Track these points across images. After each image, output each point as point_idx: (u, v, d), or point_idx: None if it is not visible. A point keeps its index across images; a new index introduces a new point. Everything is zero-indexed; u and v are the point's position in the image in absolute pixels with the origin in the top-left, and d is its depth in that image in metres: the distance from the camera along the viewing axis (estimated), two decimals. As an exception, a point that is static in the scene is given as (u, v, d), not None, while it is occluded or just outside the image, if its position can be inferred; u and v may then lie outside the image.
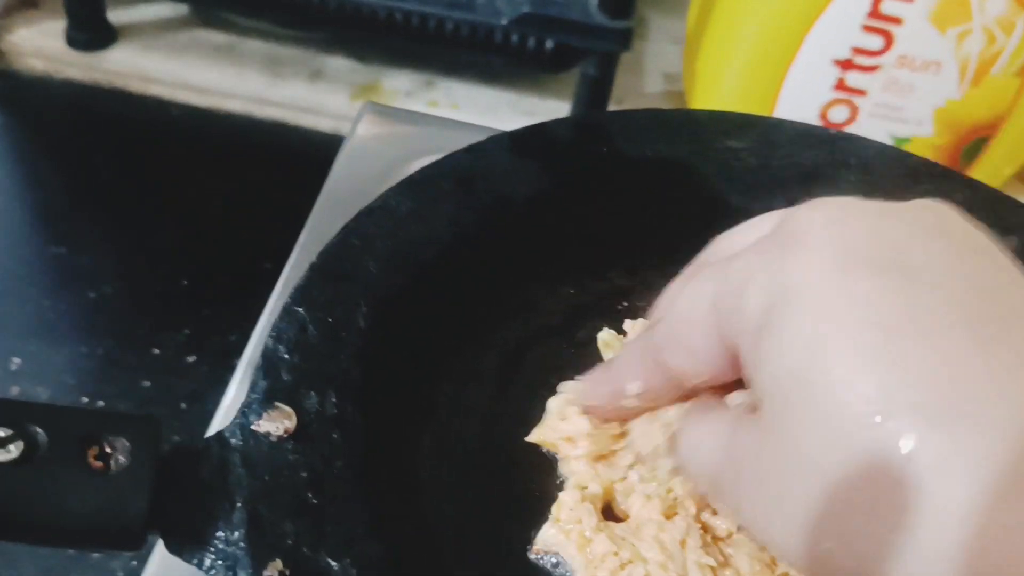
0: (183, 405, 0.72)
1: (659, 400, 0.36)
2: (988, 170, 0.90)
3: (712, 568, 0.38)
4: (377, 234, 0.46)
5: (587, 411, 0.39)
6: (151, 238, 0.86)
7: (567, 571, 0.38)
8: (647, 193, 0.51)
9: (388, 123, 0.63)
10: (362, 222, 0.46)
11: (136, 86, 0.98)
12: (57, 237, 0.86)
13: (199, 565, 0.34)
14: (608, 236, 0.49)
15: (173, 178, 0.93)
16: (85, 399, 0.73)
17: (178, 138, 0.96)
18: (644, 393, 0.35)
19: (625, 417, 0.39)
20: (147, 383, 0.74)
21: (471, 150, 0.51)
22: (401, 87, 0.98)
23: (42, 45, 0.96)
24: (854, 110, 0.87)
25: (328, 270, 0.43)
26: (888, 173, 0.54)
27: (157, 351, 0.76)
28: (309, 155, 0.94)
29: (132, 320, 0.79)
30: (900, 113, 0.87)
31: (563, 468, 0.41)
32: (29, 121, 0.98)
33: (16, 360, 0.75)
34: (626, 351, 0.37)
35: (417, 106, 0.94)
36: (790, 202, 0.53)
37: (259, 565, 0.34)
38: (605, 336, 0.45)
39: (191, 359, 0.76)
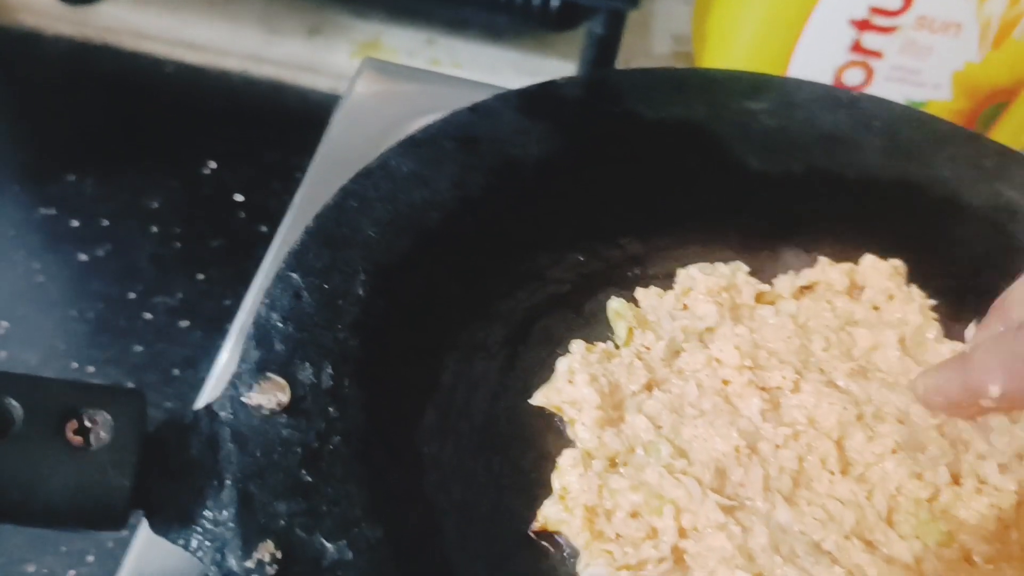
0: (176, 371, 0.70)
1: (1017, 406, 0.35)
2: (1006, 136, 0.88)
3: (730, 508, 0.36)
4: (376, 197, 0.43)
5: (928, 402, 0.37)
6: (144, 199, 0.84)
7: (569, 549, 0.36)
8: (661, 156, 0.48)
9: (388, 80, 0.60)
10: (360, 184, 0.44)
11: (129, 42, 0.95)
12: (47, 198, 0.84)
13: (185, 546, 0.32)
14: (620, 201, 0.47)
15: (167, 137, 0.90)
16: (75, 364, 0.71)
17: (172, 96, 0.93)
18: (1004, 397, 0.33)
19: (971, 415, 0.39)
20: (139, 348, 0.72)
21: (476, 109, 0.49)
22: (402, 45, 0.95)
23: (32, 0, 0.93)
24: (869, 73, 0.84)
25: (324, 234, 0.41)
26: (913, 137, 0.52)
27: (149, 316, 0.74)
28: (306, 114, 0.91)
29: (124, 284, 0.76)
30: (917, 76, 0.85)
31: (570, 433, 0.39)
32: (18, 78, 0.95)
33: (4, 324, 0.73)
34: (989, 350, 0.34)
35: (418, 65, 0.91)
36: (809, 166, 0.52)
37: (250, 547, 0.32)
38: (616, 305, 0.43)
39: (184, 324, 0.73)
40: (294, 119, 0.91)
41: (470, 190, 0.45)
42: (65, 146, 0.88)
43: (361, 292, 0.40)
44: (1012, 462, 0.40)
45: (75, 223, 0.82)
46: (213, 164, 0.88)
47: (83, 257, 0.81)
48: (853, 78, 0.85)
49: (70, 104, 0.93)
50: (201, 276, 0.81)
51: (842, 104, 0.53)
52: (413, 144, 0.46)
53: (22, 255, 0.80)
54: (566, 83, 0.51)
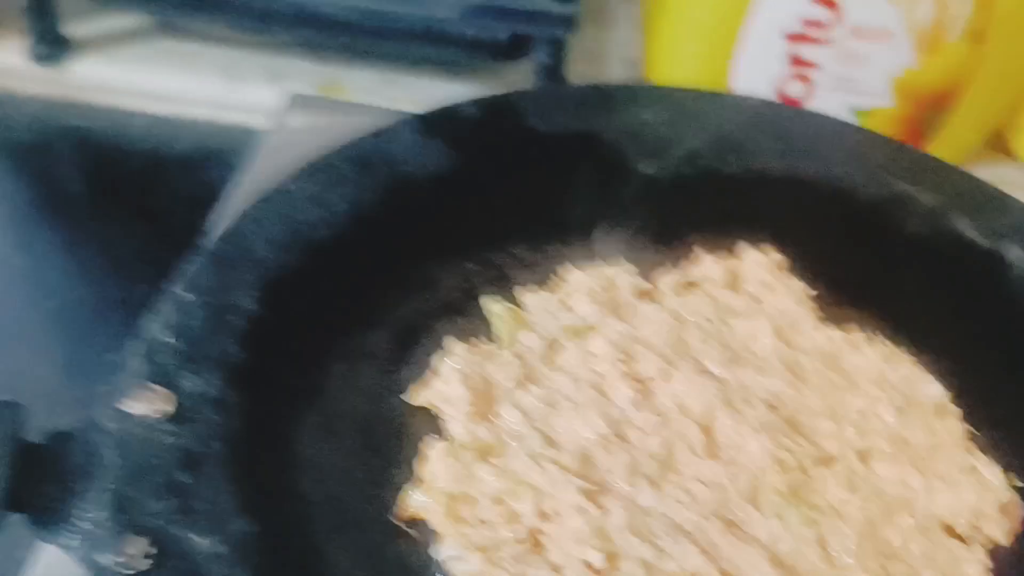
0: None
1: None
2: (954, 139, 0.89)
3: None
4: (270, 218, 0.46)
5: None
6: (115, 247, 0.87)
7: (433, 535, 0.38)
8: (552, 166, 0.51)
9: (316, 113, 0.63)
10: (258, 208, 0.46)
11: (99, 98, 0.99)
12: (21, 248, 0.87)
13: (63, 546, 0.34)
14: (511, 210, 0.49)
15: (137, 186, 0.93)
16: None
17: (142, 146, 0.97)
18: None
19: None
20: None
21: (379, 133, 0.51)
22: (362, 85, 0.98)
23: (3, 62, 0.97)
24: (810, 84, 0.86)
25: (216, 254, 0.43)
26: (804, 135, 0.53)
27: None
28: (268, 156, 0.94)
29: (91, 327, 0.79)
30: (857, 85, 0.86)
31: (445, 431, 0.40)
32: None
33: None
34: None
35: (380, 103, 0.94)
36: (699, 168, 0.53)
37: (121, 544, 0.34)
38: (490, 305, 0.45)
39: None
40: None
41: (363, 208, 0.47)
42: (39, 200, 0.92)
43: (250, 306, 0.42)
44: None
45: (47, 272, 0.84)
46: (183, 208, 0.91)
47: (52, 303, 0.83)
48: (794, 90, 0.87)
49: (45, 160, 0.96)
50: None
51: (739, 111, 0.55)
52: (311, 169, 0.48)
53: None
54: (465, 104, 0.53)
